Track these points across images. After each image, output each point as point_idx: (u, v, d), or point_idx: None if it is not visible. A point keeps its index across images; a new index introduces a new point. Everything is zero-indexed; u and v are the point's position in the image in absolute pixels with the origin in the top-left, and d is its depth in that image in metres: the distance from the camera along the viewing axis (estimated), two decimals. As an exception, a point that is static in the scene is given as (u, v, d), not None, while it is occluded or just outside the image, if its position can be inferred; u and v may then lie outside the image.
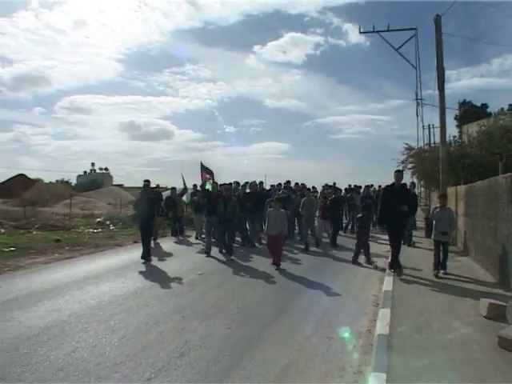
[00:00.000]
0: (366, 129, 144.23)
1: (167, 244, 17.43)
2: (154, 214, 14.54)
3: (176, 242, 18.13)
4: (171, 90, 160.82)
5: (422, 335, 6.29)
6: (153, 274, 11.15)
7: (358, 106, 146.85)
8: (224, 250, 14.10)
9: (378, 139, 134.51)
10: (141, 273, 11.47)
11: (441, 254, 10.78)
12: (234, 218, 14.01)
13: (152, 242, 15.48)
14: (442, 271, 10.55)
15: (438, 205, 11.41)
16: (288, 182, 21.08)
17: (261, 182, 19.64)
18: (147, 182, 14.87)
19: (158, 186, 20.37)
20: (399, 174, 11.16)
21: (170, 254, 14.73)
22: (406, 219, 11.33)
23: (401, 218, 10.55)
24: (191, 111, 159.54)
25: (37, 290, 9.31)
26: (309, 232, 16.74)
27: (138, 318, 7.46)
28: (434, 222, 11.13)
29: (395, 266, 10.75)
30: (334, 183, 24.72)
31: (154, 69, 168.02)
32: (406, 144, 27.45)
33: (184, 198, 20.15)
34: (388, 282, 9.56)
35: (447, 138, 19.17)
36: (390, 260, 11.08)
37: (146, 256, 13.16)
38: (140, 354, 5.94)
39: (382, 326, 6.61)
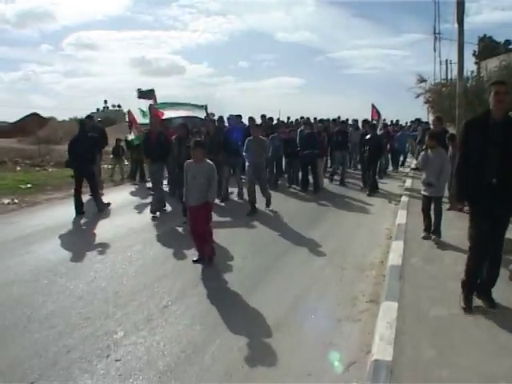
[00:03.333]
0: (380, 64, 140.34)
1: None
2: (96, 158, 11.22)
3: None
4: (180, 23, 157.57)
5: (434, 267, 6.34)
6: (168, 209, 11.20)
7: (373, 40, 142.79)
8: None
9: (393, 74, 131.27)
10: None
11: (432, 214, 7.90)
12: None
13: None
14: (433, 237, 7.74)
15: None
16: (251, 118, 15.20)
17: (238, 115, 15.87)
18: (89, 117, 12.32)
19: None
20: (501, 87, 4.89)
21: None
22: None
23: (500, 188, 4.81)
24: (202, 45, 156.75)
25: (53, 224, 9.46)
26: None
27: (155, 250, 7.61)
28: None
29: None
30: (339, 117, 21.79)
31: (161, 2, 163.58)
32: (419, 75, 26.64)
33: (130, 137, 14.95)
34: (401, 215, 9.56)
35: (465, 74, 18.69)
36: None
37: (80, 210, 10.45)
38: (157, 283, 6.10)
39: (394, 258, 6.67)
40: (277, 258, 7.21)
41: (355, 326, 4.89)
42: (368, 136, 13.85)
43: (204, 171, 6.76)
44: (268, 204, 11.17)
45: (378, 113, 19.43)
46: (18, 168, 19.73)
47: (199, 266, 6.77)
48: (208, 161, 6.91)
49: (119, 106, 64.58)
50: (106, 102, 73.85)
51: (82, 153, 10.38)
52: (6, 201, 11.84)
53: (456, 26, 16.21)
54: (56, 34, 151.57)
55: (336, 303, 5.46)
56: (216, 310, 5.28)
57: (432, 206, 7.89)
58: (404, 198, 11.77)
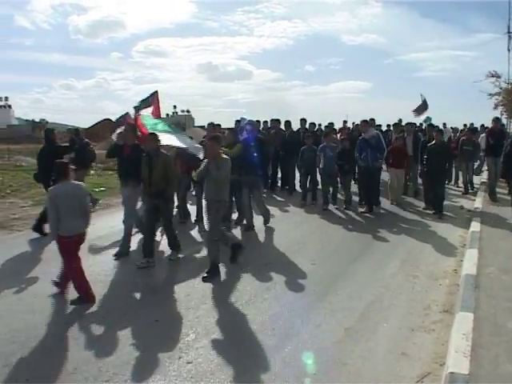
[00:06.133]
0: (451, 66, 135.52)
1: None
2: None
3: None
4: (246, 29, 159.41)
5: (511, 277, 6.10)
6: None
7: (443, 42, 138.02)
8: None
9: (464, 76, 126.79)
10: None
11: None
12: (168, 191, 7.39)
13: None
14: None
15: None
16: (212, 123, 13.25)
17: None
18: (49, 130, 10.29)
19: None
20: None
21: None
22: None
23: None
24: (268, 50, 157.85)
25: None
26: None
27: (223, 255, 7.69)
28: None
29: None
30: (400, 120, 17.39)
31: (226, 8, 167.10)
32: (494, 71, 25.10)
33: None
34: (475, 222, 9.25)
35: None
36: None
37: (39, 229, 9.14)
38: (229, 286, 6.24)
39: (469, 267, 6.45)
40: (347, 265, 7.15)
41: (428, 337, 4.79)
42: (432, 142, 11.14)
43: (75, 193, 5.82)
44: (208, 274, 6.60)
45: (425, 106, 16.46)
46: (92, 172, 20.45)
47: (269, 272, 6.81)
48: (75, 182, 5.98)
49: (188, 111, 65.64)
50: (175, 107, 74.99)
51: (46, 165, 8.64)
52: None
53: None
54: (125, 42, 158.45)
55: (408, 312, 5.37)
56: (287, 315, 5.30)
57: None
58: (477, 205, 11.38)
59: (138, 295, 5.99)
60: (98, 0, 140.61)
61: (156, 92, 9.39)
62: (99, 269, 6.93)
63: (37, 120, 65.30)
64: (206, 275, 6.56)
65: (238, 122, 13.58)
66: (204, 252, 7.66)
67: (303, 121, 14.87)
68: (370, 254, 7.76)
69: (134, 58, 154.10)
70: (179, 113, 72.05)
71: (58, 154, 9.21)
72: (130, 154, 7.79)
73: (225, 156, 6.91)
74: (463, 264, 6.73)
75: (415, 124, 15.28)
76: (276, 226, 9.60)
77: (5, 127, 56.88)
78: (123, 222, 7.92)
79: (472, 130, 15.58)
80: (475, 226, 8.95)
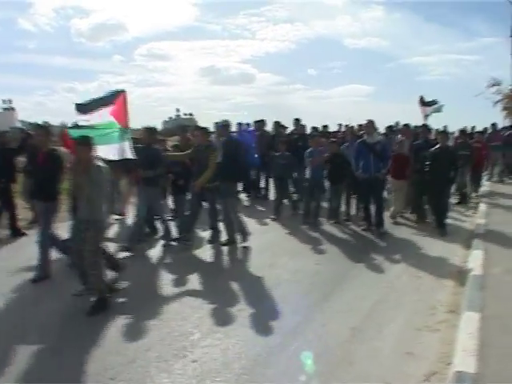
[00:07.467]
0: (453, 70, 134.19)
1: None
2: (13, 175, 9.35)
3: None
4: (248, 32, 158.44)
5: (519, 278, 6.07)
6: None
7: (445, 46, 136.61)
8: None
9: (466, 81, 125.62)
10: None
11: None
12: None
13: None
14: None
15: None
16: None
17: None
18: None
19: None
20: None
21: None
22: None
23: None
24: (271, 54, 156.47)
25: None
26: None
27: (230, 255, 7.79)
28: None
29: None
30: (397, 123, 16.28)
31: (229, 11, 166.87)
32: (494, 79, 24.67)
33: None
34: (479, 224, 9.21)
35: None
36: None
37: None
38: (233, 285, 6.23)
39: (474, 267, 6.43)
40: (352, 265, 7.14)
41: (434, 336, 4.76)
42: (437, 147, 9.41)
43: None
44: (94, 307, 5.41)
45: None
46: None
47: (276, 271, 6.82)
48: None
49: (191, 114, 65.66)
50: (178, 110, 74.84)
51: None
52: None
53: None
54: (127, 45, 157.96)
55: (414, 312, 5.35)
56: (292, 314, 5.27)
57: None
58: (482, 207, 11.31)
59: (141, 294, 5.95)
60: (100, 3, 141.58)
61: (122, 92, 7.37)
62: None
63: (40, 123, 65.45)
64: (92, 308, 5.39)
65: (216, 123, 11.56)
66: (207, 252, 7.76)
67: (297, 121, 13.58)
68: (375, 254, 7.74)
69: (136, 61, 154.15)
70: (182, 116, 72.04)
71: (6, 156, 9.07)
72: (44, 162, 6.57)
73: (98, 163, 5.49)
74: (469, 265, 6.70)
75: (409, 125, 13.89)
76: (274, 231, 9.56)
77: (8, 130, 57.16)
78: (36, 242, 6.54)
79: (464, 132, 14.59)
80: (479, 227, 8.91)
